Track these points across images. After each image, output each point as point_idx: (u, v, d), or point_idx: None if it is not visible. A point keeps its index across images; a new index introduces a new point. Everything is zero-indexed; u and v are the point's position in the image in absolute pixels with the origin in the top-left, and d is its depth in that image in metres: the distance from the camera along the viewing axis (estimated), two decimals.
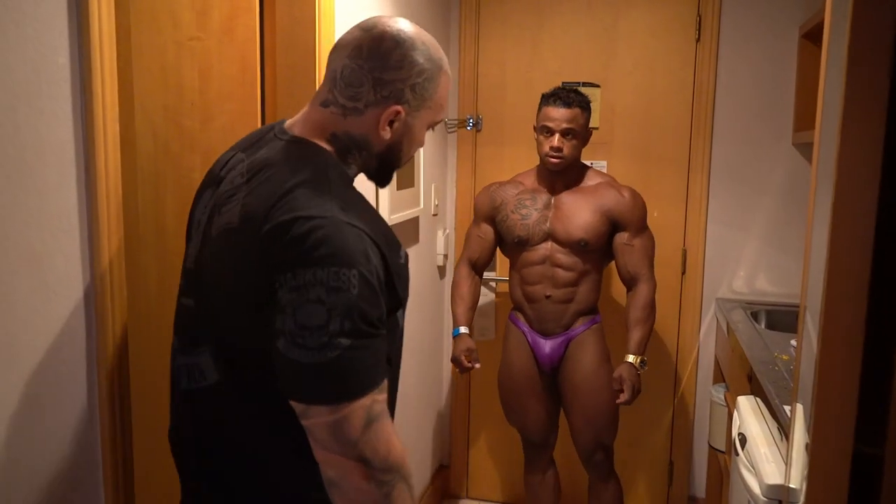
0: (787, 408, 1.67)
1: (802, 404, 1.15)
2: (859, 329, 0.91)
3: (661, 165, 2.96)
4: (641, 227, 2.46)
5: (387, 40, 1.13)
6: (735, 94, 2.85)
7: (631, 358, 2.39)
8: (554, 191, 2.49)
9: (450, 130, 3.14)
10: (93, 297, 1.14)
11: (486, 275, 3.13)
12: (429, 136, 2.83)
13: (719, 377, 2.84)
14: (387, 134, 1.17)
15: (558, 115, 2.35)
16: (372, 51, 1.13)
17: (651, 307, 2.44)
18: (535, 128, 2.46)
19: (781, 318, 2.71)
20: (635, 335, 2.42)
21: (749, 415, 1.96)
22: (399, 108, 1.15)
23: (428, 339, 3.03)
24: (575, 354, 2.48)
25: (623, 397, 2.36)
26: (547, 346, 2.50)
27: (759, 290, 2.92)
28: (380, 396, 1.04)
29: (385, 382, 1.07)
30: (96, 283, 1.15)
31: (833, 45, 1.08)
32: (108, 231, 1.17)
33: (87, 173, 1.12)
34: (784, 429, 1.71)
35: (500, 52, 3.08)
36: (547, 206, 2.47)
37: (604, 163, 3.01)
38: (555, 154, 2.37)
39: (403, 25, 1.16)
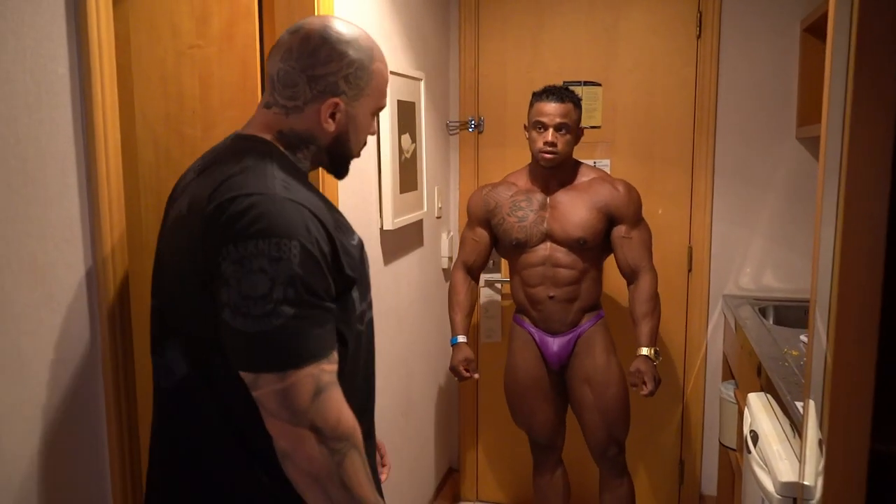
0: (798, 404, 1.65)
1: (814, 401, 1.13)
2: (873, 325, 0.89)
3: (665, 163, 2.94)
4: (638, 220, 2.46)
5: (313, 39, 1.18)
6: (737, 90, 2.84)
7: (644, 350, 2.39)
8: (548, 190, 2.47)
9: (452, 132, 3.14)
10: (96, 306, 1.14)
11: (490, 276, 3.13)
12: (431, 138, 2.84)
13: (728, 374, 2.82)
14: (330, 126, 1.20)
15: (551, 109, 2.34)
16: (301, 51, 1.17)
17: (655, 298, 2.44)
18: (526, 126, 2.45)
19: (790, 314, 2.70)
20: (644, 328, 2.42)
21: (760, 412, 1.94)
22: (336, 99, 1.19)
23: (434, 341, 3.02)
24: (584, 351, 2.48)
25: (646, 389, 2.36)
26: (555, 344, 2.49)
27: (767, 286, 2.90)
28: (328, 367, 1.07)
29: (334, 354, 1.09)
30: (100, 292, 1.14)
31: (838, 37, 1.07)
32: (110, 240, 1.17)
33: (89, 182, 1.11)
34: (796, 425, 1.69)
35: (501, 52, 3.07)
36: (543, 206, 2.46)
37: (607, 161, 2.99)
38: (549, 150, 2.35)
39: (328, 22, 1.20)
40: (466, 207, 2.61)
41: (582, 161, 2.54)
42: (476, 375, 2.54)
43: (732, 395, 2.61)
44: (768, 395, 2.04)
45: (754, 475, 1.77)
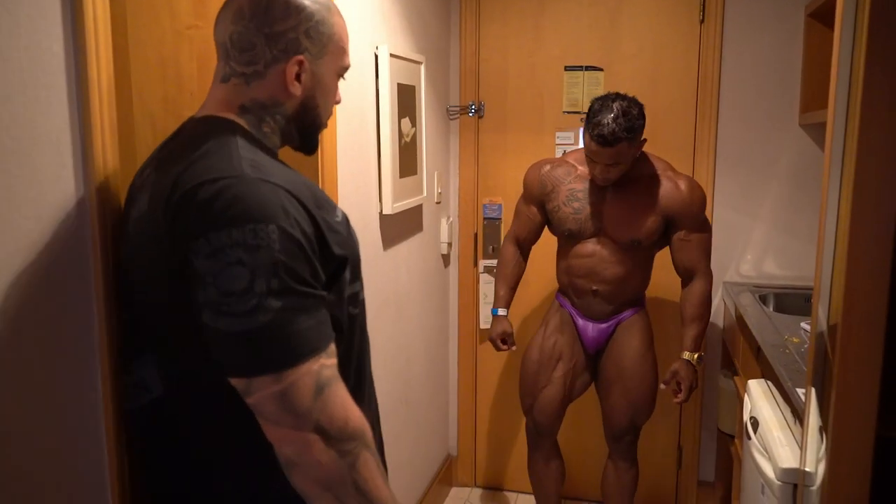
0: (799, 391, 1.65)
1: (815, 388, 1.12)
2: (881, 311, 0.88)
3: (667, 149, 2.92)
4: (699, 222, 2.37)
5: None
6: (740, 75, 2.82)
7: (687, 355, 2.36)
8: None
9: (452, 117, 3.11)
10: (92, 291, 1.12)
11: (490, 262, 3.12)
12: (431, 123, 2.81)
13: (727, 361, 2.82)
14: (297, 89, 1.10)
15: (600, 153, 2.19)
16: (254, 8, 1.07)
17: (707, 303, 2.39)
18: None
19: (790, 301, 2.69)
20: (691, 332, 2.38)
21: (761, 398, 1.94)
22: (300, 57, 1.09)
23: (434, 327, 3.02)
24: (622, 338, 2.45)
25: (680, 397, 2.35)
26: (595, 329, 2.47)
27: (768, 274, 2.89)
28: (328, 361, 0.97)
29: (332, 346, 0.99)
30: (96, 274, 1.13)
31: (846, 22, 1.05)
32: (107, 221, 1.15)
33: (85, 162, 1.09)
34: (797, 412, 1.69)
35: (502, 38, 3.04)
36: (600, 200, 2.35)
37: None
38: (601, 178, 2.27)
39: None
40: (523, 180, 2.52)
41: (647, 153, 2.39)
42: (513, 348, 2.54)
43: (732, 381, 2.60)
44: (769, 382, 2.03)
45: (754, 461, 1.77)
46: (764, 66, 2.79)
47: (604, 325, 2.46)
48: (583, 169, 2.39)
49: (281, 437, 0.94)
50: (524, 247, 2.59)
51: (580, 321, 2.48)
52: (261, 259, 0.92)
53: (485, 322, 3.18)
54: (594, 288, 2.41)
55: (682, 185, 2.33)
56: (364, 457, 0.98)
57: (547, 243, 2.62)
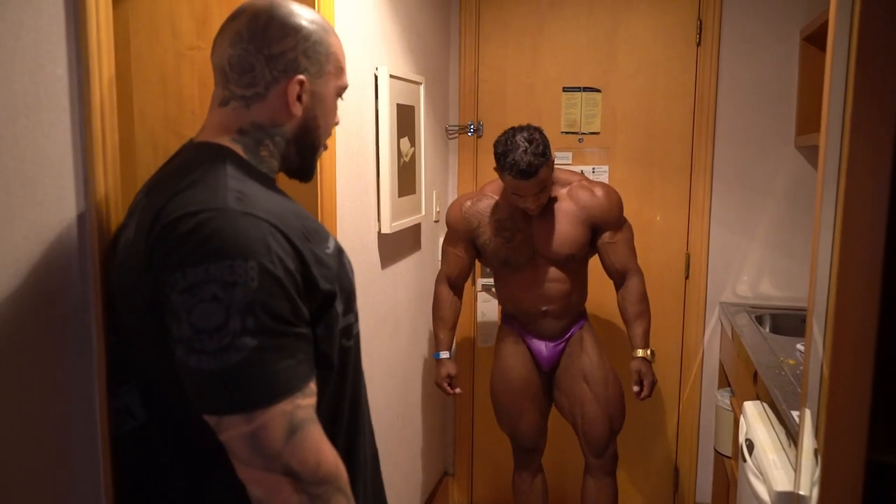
0: (794, 413, 1.65)
1: (811, 410, 1.13)
2: (871, 334, 0.89)
3: (664, 170, 2.95)
4: (621, 223, 2.45)
5: (262, 16, 1.08)
6: (737, 97, 2.84)
7: (641, 352, 2.43)
8: None
9: (451, 137, 3.14)
10: (92, 312, 1.13)
11: (487, 281, 3.13)
12: (430, 142, 2.83)
13: (724, 382, 2.82)
14: (298, 109, 1.10)
15: (525, 186, 2.22)
16: (252, 31, 1.07)
17: (646, 299, 2.47)
18: (496, 170, 2.28)
19: (786, 322, 2.70)
20: (638, 329, 2.45)
21: (756, 420, 1.94)
22: (301, 77, 1.09)
23: (431, 345, 3.02)
24: (576, 350, 2.50)
25: (644, 393, 2.41)
26: (548, 347, 2.52)
27: (764, 294, 2.90)
28: (304, 401, 0.95)
29: (311, 386, 0.97)
30: (95, 297, 1.13)
31: (838, 46, 1.07)
32: (107, 243, 1.16)
33: (87, 184, 1.11)
34: (792, 434, 1.69)
35: (501, 58, 3.07)
36: (528, 224, 2.41)
37: (606, 168, 3.00)
38: (535, 208, 2.32)
39: (272, 0, 1.10)
40: (446, 220, 2.54)
41: (563, 170, 2.48)
42: (458, 391, 2.56)
43: (728, 402, 2.60)
44: (764, 404, 2.04)
45: (750, 484, 1.77)
46: (760, 88, 2.82)
47: (555, 343, 2.51)
48: (502, 199, 2.43)
49: (251, 477, 0.93)
50: (457, 285, 2.62)
51: (533, 342, 2.53)
52: (237, 296, 0.91)
53: (483, 341, 3.18)
54: (543, 309, 2.46)
55: (598, 191, 2.41)
56: (336, 501, 0.97)
57: None
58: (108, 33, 1.15)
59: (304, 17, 1.11)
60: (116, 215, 1.18)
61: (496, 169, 2.28)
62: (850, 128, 0.98)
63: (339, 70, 1.16)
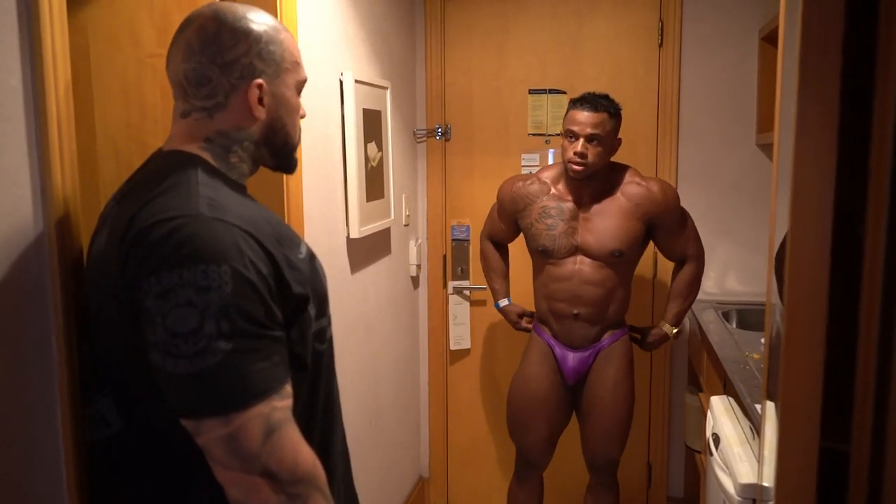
0: (758, 406, 1.69)
1: (772, 402, 1.16)
2: (821, 324, 0.92)
3: None
4: (682, 216, 2.39)
5: (210, 25, 1.08)
6: (699, 97, 2.89)
7: (665, 328, 2.47)
8: (581, 199, 2.36)
9: (419, 140, 3.15)
10: (52, 326, 1.12)
11: (459, 284, 3.14)
12: (398, 147, 2.84)
13: (693, 378, 2.86)
14: (261, 113, 1.10)
15: (584, 118, 2.23)
16: (202, 41, 1.07)
17: (697, 283, 2.46)
18: (561, 134, 2.34)
19: (752, 317, 2.74)
20: (674, 307, 2.47)
21: (722, 415, 1.97)
22: (259, 80, 1.09)
23: (403, 348, 3.02)
24: (601, 367, 2.41)
25: (647, 341, 2.49)
26: (574, 359, 2.42)
27: (730, 290, 2.95)
28: (280, 403, 0.97)
29: (287, 388, 0.99)
30: (56, 308, 1.12)
31: (787, 47, 1.10)
32: (68, 256, 1.15)
33: (44, 195, 1.10)
34: (756, 428, 1.72)
35: (467, 61, 3.09)
36: (574, 216, 2.35)
37: None
38: (579, 160, 2.24)
39: (217, 6, 1.11)
40: (497, 194, 2.55)
41: (616, 163, 2.41)
42: (533, 321, 2.56)
43: (697, 398, 2.64)
44: (730, 399, 2.07)
45: (716, 477, 1.80)
46: (721, 88, 2.87)
47: (584, 354, 2.41)
48: (556, 186, 2.40)
49: (229, 479, 0.95)
50: (500, 245, 2.64)
51: (559, 351, 2.43)
52: (211, 300, 0.92)
53: (455, 343, 3.19)
54: (575, 312, 2.37)
55: (654, 187, 2.36)
56: (314, 500, 0.98)
57: (522, 270, 2.66)
58: (63, 42, 1.14)
59: (252, 19, 1.10)
60: (76, 227, 1.17)
61: (548, 145, 2.37)
62: (796, 125, 1.01)
63: (296, 65, 1.16)
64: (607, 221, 2.32)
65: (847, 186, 0.93)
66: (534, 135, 3.05)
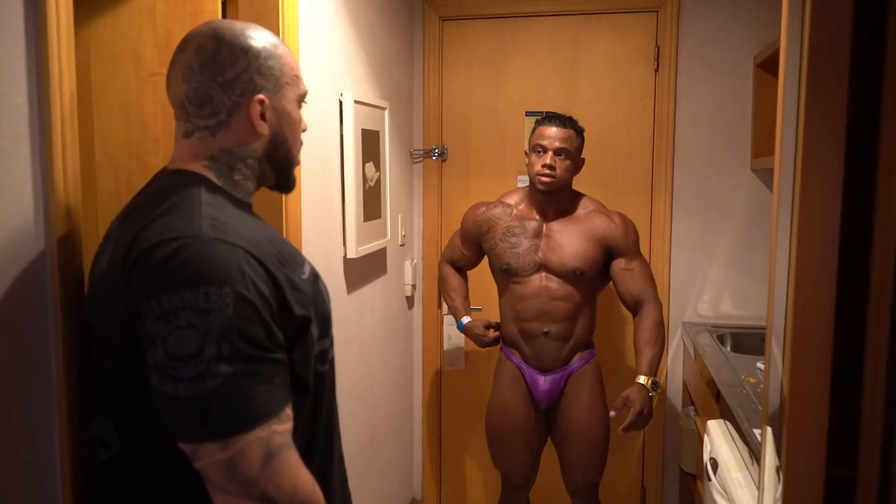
0: (756, 431, 1.68)
1: (771, 428, 1.15)
2: (827, 352, 0.92)
3: (625, 192, 3.00)
4: (637, 252, 2.42)
5: (209, 44, 1.08)
6: (694, 121, 2.91)
7: (642, 379, 2.26)
8: (545, 217, 2.42)
9: (416, 161, 3.15)
10: (52, 346, 1.11)
11: None
12: (395, 167, 2.85)
13: (688, 401, 2.85)
14: (264, 129, 1.11)
15: (552, 133, 2.32)
16: (202, 61, 1.07)
17: (660, 327, 2.36)
18: (526, 152, 2.40)
19: (747, 341, 2.75)
20: (646, 355, 2.30)
21: (719, 439, 1.97)
22: (260, 96, 1.09)
23: (398, 369, 3.01)
24: (574, 390, 2.42)
25: (627, 421, 2.21)
26: (546, 382, 2.42)
27: (725, 314, 2.96)
28: (280, 427, 0.96)
29: (287, 411, 0.98)
30: (56, 330, 1.11)
31: (789, 73, 1.11)
32: (70, 272, 1.14)
33: (47, 213, 1.09)
34: (754, 452, 1.72)
35: (465, 82, 3.11)
36: (537, 234, 2.40)
37: None
38: (547, 172, 2.30)
39: (215, 24, 1.11)
40: (462, 221, 2.59)
41: (582, 193, 2.49)
42: (498, 332, 2.54)
43: (693, 421, 2.64)
44: (727, 423, 2.06)
45: (714, 502, 1.79)
46: (716, 113, 2.89)
47: (555, 377, 2.42)
48: (519, 207, 2.46)
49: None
50: (460, 270, 2.65)
51: (529, 374, 2.44)
52: (212, 323, 0.92)
53: (449, 364, 3.18)
54: (545, 330, 2.39)
55: (616, 219, 2.42)
56: None
57: (489, 293, 2.65)
58: (70, 60, 1.14)
59: (250, 35, 1.10)
60: (78, 245, 1.17)
61: (527, 153, 2.39)
62: (803, 151, 1.01)
63: (296, 79, 1.16)
64: (569, 240, 2.38)
65: (853, 210, 0.93)
66: None
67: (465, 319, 2.56)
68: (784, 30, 1.14)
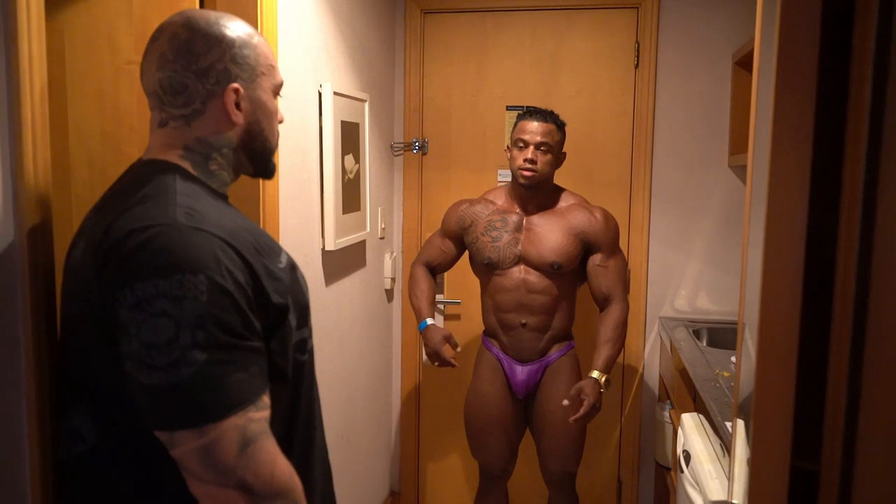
0: (728, 424, 1.70)
1: (743, 420, 1.17)
2: (793, 345, 0.93)
3: (604, 188, 3.01)
4: (614, 249, 2.44)
5: (182, 33, 1.07)
6: (674, 118, 2.93)
7: (595, 374, 2.31)
8: (526, 211, 2.44)
9: (396, 154, 3.15)
10: (21, 338, 1.09)
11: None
12: (375, 159, 2.84)
13: (665, 395, 2.88)
14: (239, 118, 1.10)
15: (533, 128, 2.34)
16: (176, 50, 1.07)
17: (622, 327, 2.40)
18: (508, 147, 2.44)
19: (722, 336, 2.77)
20: (603, 353, 2.35)
21: (693, 432, 1.99)
22: (235, 85, 1.08)
23: (376, 362, 3.01)
24: (550, 381, 2.44)
25: (580, 412, 2.26)
26: (523, 372, 2.45)
27: (701, 309, 2.98)
28: (257, 415, 0.95)
29: (265, 399, 0.98)
30: (26, 322, 1.10)
31: (763, 71, 1.12)
32: (42, 262, 1.13)
33: (17, 203, 1.08)
34: (726, 445, 1.74)
35: (446, 76, 3.10)
36: (518, 228, 2.43)
37: None
38: (528, 167, 2.32)
39: (189, 13, 1.10)
40: (443, 217, 2.59)
41: (563, 188, 2.51)
42: (458, 349, 2.51)
43: (668, 415, 2.66)
44: (701, 416, 2.09)
45: (687, 494, 1.81)
46: (695, 110, 2.91)
47: (532, 368, 2.45)
48: (501, 203, 2.48)
49: (204, 493, 0.94)
50: (434, 272, 2.63)
51: (508, 364, 2.47)
52: (186, 311, 0.91)
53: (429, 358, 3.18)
54: (523, 321, 2.42)
55: (598, 214, 2.43)
56: None
57: (471, 282, 2.66)
58: (41, 45, 1.13)
59: (224, 24, 1.10)
60: (49, 233, 1.15)
61: (508, 147, 2.41)
62: (772, 148, 1.02)
63: (271, 69, 1.15)
64: (549, 234, 2.39)
65: (820, 207, 0.95)
66: None
67: (429, 321, 2.52)
68: (758, 28, 1.15)
